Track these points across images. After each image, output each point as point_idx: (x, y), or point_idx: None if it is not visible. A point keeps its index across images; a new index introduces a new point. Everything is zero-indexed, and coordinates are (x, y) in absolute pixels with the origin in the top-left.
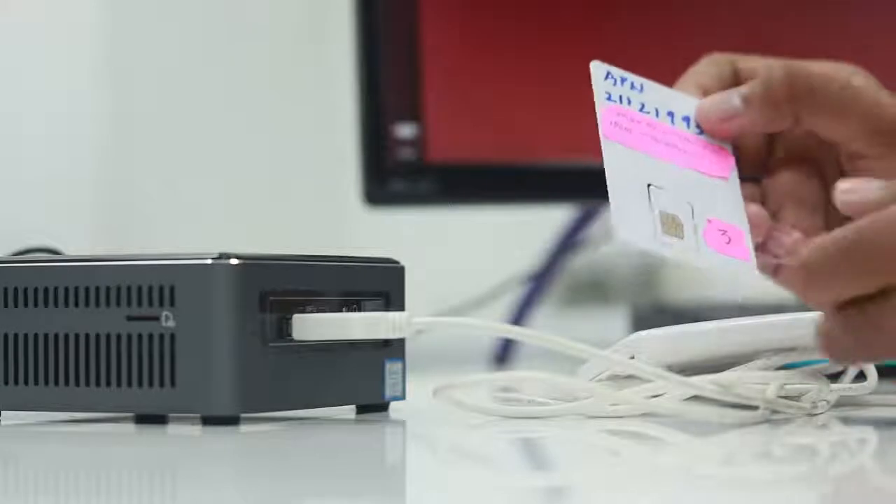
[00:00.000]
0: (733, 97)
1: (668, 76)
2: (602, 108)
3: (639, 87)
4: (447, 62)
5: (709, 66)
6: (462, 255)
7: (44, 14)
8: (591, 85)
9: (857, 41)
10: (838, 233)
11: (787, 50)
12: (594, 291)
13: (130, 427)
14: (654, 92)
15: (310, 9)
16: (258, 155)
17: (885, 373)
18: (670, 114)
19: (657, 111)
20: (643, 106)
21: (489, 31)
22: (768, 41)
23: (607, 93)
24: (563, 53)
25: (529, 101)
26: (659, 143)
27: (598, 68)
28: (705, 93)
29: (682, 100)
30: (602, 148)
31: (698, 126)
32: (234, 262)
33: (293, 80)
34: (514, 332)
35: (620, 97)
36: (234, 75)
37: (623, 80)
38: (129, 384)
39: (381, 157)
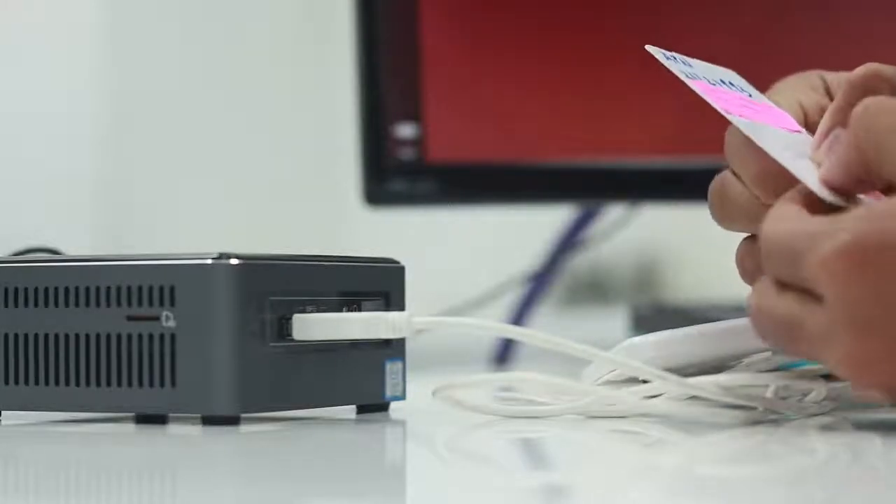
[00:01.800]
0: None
1: (668, 75)
2: (698, 86)
3: (689, 64)
4: (447, 62)
5: (803, 81)
6: (462, 255)
7: (44, 14)
8: (591, 85)
9: (858, 42)
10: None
11: (787, 49)
12: (594, 291)
13: (130, 427)
14: (700, 66)
15: (310, 9)
16: (258, 155)
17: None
18: (723, 81)
19: (721, 81)
20: (707, 80)
21: (489, 32)
22: (769, 41)
23: (683, 72)
24: (564, 53)
25: (529, 101)
26: (749, 109)
27: (657, 52)
28: (803, 111)
29: (717, 70)
30: (740, 126)
31: (744, 89)
32: (234, 262)
33: (293, 81)
34: (513, 332)
35: (689, 75)
36: (235, 75)
37: (676, 58)
38: (130, 384)
39: (382, 157)
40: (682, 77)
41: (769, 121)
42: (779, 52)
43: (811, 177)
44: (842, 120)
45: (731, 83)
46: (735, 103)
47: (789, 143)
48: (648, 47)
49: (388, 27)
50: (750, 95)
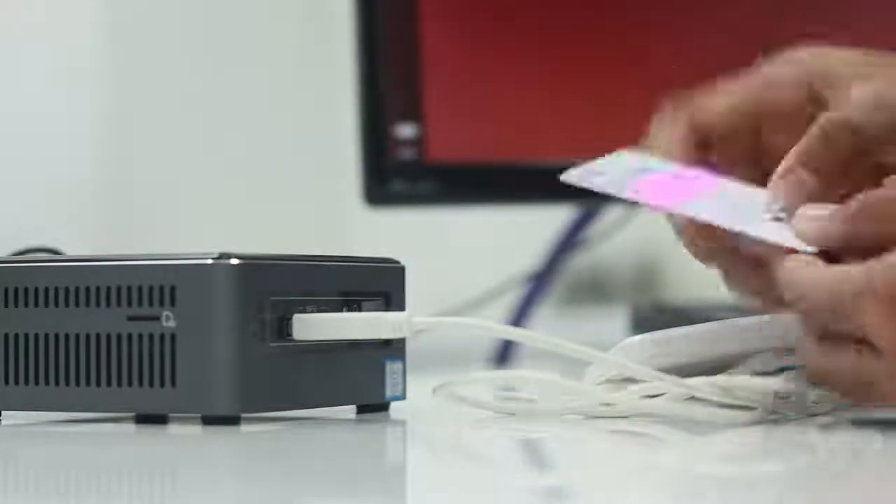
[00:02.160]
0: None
1: (667, 74)
2: (631, 193)
3: (602, 172)
4: (447, 62)
5: (787, 68)
6: (462, 255)
7: (44, 14)
8: (591, 85)
9: (858, 42)
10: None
11: (784, 49)
12: (594, 291)
13: (130, 427)
14: (612, 166)
15: (310, 9)
16: (258, 155)
17: None
18: (643, 169)
19: (641, 170)
20: (632, 178)
21: (489, 31)
22: (765, 41)
23: (603, 187)
24: (564, 53)
25: (529, 101)
26: (686, 185)
27: (570, 177)
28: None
29: (628, 159)
30: (686, 213)
31: (663, 167)
32: (234, 262)
33: (293, 80)
34: (513, 333)
35: (611, 184)
36: (235, 75)
37: (586, 172)
38: (130, 384)
39: (382, 157)
40: (608, 191)
41: (708, 186)
42: (774, 53)
43: (783, 234)
44: (806, 162)
45: (647, 168)
46: (674, 188)
47: (736, 204)
48: (563, 177)
49: (388, 27)
50: (671, 169)
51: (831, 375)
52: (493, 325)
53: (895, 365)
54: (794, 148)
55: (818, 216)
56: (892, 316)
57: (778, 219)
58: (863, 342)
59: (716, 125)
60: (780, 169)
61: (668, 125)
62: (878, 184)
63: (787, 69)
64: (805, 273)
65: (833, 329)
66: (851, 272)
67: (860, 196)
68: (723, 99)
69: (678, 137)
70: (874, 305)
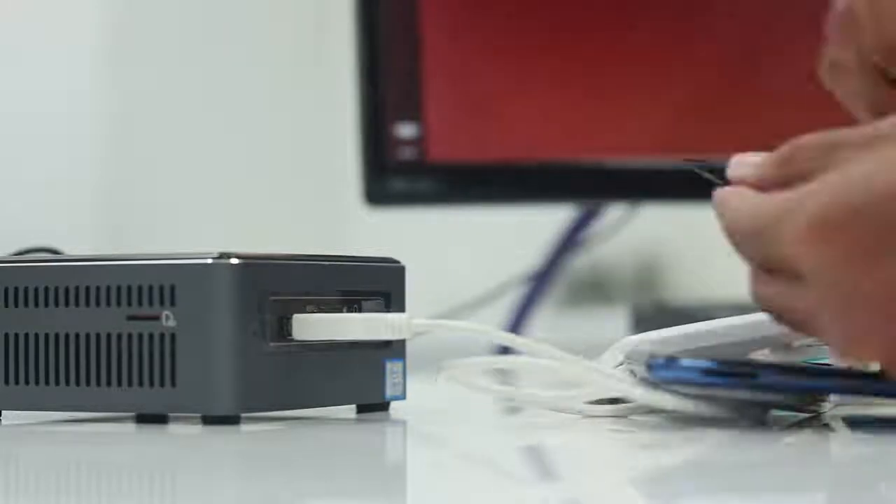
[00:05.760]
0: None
1: (668, 76)
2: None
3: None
4: (448, 62)
5: None
6: (462, 254)
7: (44, 14)
8: (591, 85)
9: None
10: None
11: (782, 50)
12: (594, 291)
13: (130, 427)
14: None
15: (310, 9)
16: (258, 155)
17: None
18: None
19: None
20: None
21: (490, 31)
22: (763, 42)
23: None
24: (564, 53)
25: (530, 101)
26: None
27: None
28: None
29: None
30: None
31: None
32: (234, 261)
33: (293, 80)
34: (514, 340)
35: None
36: (235, 75)
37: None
38: (130, 384)
39: (382, 156)
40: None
41: None
42: (773, 53)
43: None
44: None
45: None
46: None
47: None
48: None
49: (388, 27)
50: None
51: (772, 304)
52: (492, 331)
53: (818, 294)
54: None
55: (753, 162)
56: (811, 241)
57: None
58: (791, 272)
59: None
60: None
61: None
62: None
63: None
64: (733, 200)
65: (764, 256)
66: (773, 198)
67: (792, 140)
68: None
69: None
70: (795, 231)
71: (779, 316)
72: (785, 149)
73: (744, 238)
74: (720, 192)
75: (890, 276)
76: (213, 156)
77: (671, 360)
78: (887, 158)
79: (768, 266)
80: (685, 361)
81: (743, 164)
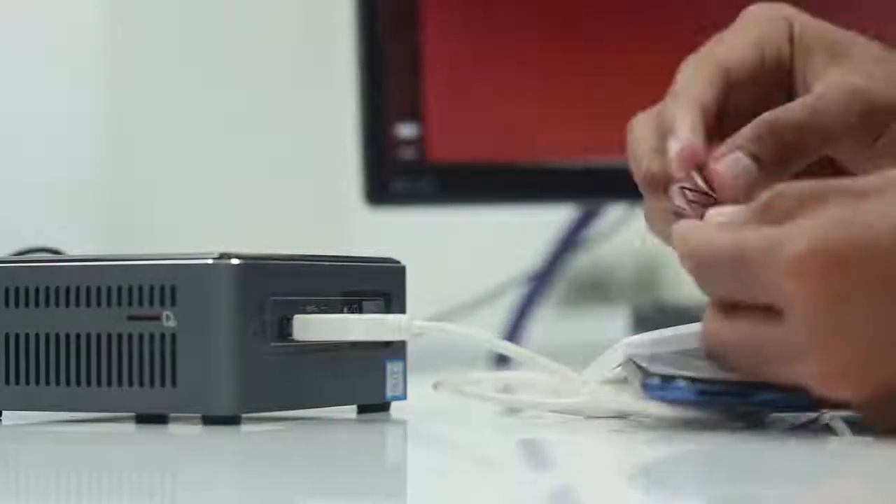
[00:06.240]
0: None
1: (667, 74)
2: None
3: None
4: (448, 62)
5: (768, 22)
6: (462, 255)
7: (44, 14)
8: (591, 85)
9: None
10: (722, 236)
11: None
12: (594, 291)
13: (131, 427)
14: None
15: (311, 9)
16: (258, 155)
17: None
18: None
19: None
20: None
21: (490, 31)
22: None
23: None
24: (564, 53)
25: (530, 101)
26: None
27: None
28: (762, 51)
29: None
30: None
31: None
32: (235, 262)
33: (294, 80)
34: (510, 349)
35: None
36: (235, 75)
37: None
38: (130, 384)
39: (382, 156)
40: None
41: None
42: None
43: None
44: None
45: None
46: None
47: None
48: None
49: (388, 27)
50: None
51: (728, 341)
52: (491, 338)
53: (798, 330)
54: (737, 134)
55: (731, 212)
56: (798, 275)
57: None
58: (763, 309)
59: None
60: (721, 149)
61: (693, 68)
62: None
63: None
64: (695, 232)
65: (735, 290)
66: (756, 231)
67: (773, 188)
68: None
69: (702, 77)
70: (784, 264)
71: (734, 357)
72: (765, 196)
73: (713, 270)
74: (681, 224)
75: (876, 315)
76: (213, 156)
77: (666, 381)
78: (886, 203)
79: (735, 301)
80: (680, 382)
81: (721, 214)
